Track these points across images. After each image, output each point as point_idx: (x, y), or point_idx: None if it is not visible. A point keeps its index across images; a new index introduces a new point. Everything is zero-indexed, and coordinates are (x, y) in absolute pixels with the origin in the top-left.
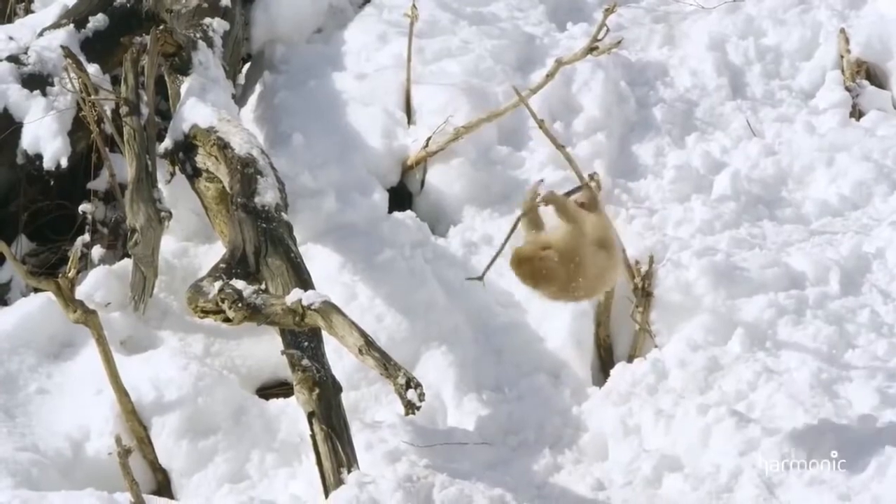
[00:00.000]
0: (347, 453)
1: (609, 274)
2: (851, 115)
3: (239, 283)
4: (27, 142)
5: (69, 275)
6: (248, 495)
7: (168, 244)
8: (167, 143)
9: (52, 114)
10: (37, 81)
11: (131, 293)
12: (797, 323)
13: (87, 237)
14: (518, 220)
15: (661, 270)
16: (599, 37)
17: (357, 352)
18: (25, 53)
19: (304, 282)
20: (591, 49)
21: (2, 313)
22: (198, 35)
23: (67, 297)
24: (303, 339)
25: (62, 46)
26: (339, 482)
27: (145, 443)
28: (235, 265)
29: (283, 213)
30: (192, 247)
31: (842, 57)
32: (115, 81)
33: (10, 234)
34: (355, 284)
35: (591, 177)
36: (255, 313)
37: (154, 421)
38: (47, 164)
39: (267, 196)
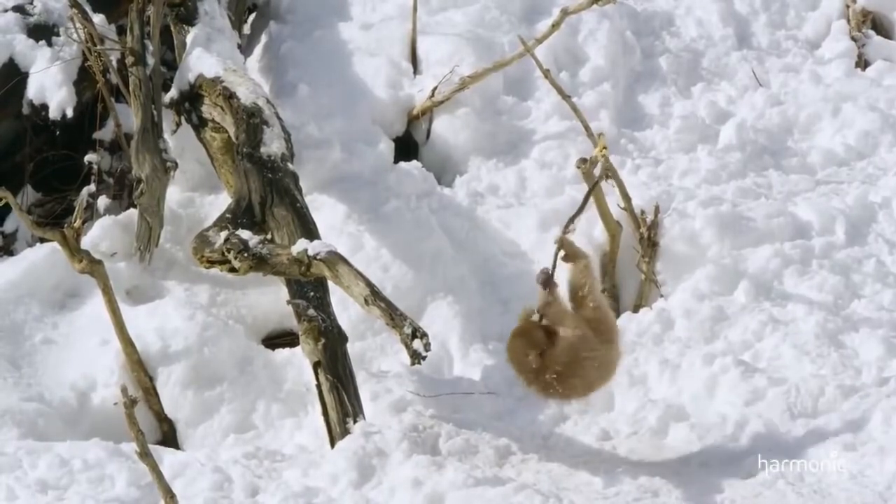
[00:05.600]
0: (353, 403)
1: (605, 374)
2: (857, 64)
3: (244, 233)
4: (33, 92)
5: (75, 225)
6: (254, 445)
7: (173, 194)
8: (173, 93)
9: (58, 64)
10: (42, 31)
11: (137, 243)
12: (803, 273)
13: (92, 187)
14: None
15: (667, 220)
16: None
17: (363, 302)
18: (31, 3)
19: (310, 232)
20: None
21: (7, 263)
22: None
23: (73, 247)
24: (308, 289)
25: None
26: (345, 432)
27: (151, 393)
28: (241, 215)
29: (288, 164)
30: (197, 197)
31: (847, 7)
32: (121, 31)
33: (16, 184)
34: (361, 234)
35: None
36: (260, 263)
37: (160, 371)
38: (53, 113)
39: (272, 146)
